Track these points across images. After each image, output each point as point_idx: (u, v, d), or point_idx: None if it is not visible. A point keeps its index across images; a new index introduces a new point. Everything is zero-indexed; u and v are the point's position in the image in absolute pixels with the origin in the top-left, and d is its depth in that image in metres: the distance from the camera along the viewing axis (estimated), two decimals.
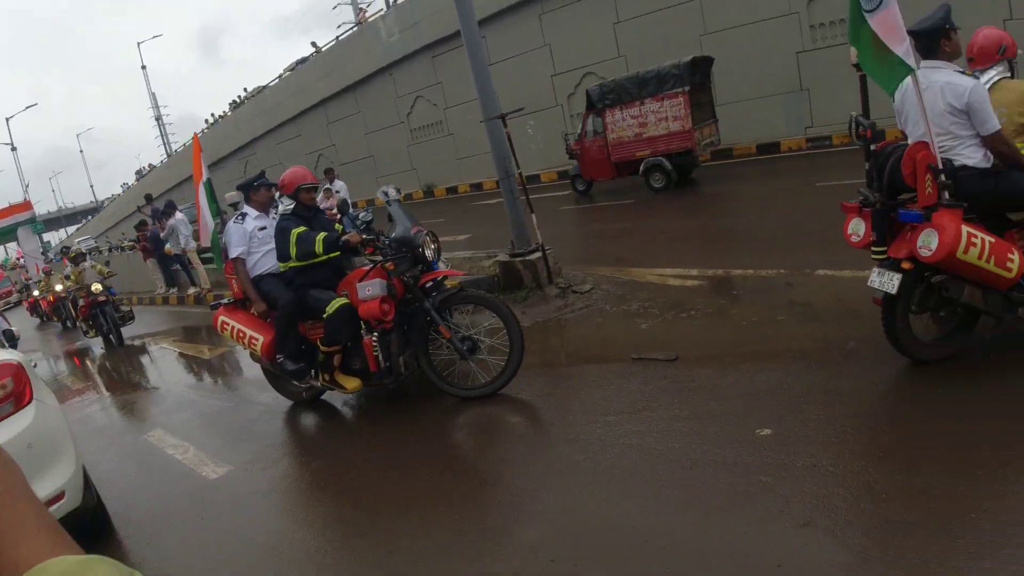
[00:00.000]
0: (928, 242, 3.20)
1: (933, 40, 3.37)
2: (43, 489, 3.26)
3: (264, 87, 26.43)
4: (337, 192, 11.47)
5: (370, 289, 4.22)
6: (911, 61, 3.21)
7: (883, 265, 3.45)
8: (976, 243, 3.17)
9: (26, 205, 30.62)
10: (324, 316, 4.32)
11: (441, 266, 4.65)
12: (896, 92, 3.51)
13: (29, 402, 3.43)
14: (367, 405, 4.91)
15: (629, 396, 3.96)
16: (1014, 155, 3.32)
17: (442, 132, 19.59)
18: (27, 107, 54.47)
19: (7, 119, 41.45)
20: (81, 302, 10.68)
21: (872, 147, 3.67)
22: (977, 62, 3.66)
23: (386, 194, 4.53)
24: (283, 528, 3.56)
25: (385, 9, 20.09)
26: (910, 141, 3.48)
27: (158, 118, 44.84)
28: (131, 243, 19.53)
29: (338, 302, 4.30)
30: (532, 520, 2.96)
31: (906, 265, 3.34)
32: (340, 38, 22.14)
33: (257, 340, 4.74)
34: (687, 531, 2.66)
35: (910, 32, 3.26)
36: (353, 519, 3.42)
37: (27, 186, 38.49)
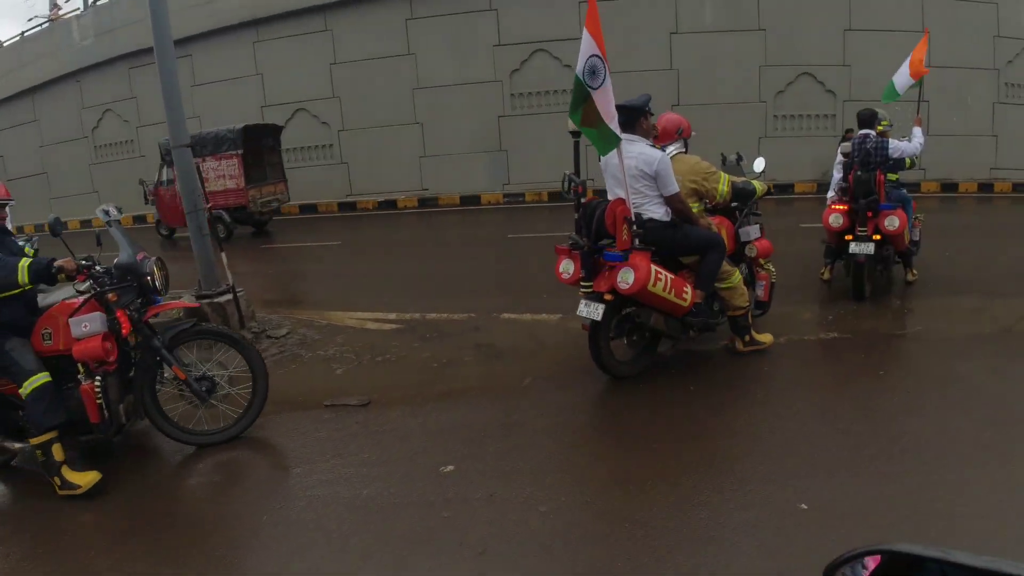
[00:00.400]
0: (626, 277, 3.98)
1: (633, 117, 4.24)
2: None
3: None
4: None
5: (87, 325, 3.48)
6: (619, 132, 3.94)
7: (589, 297, 4.20)
8: (661, 278, 4.05)
9: None
10: (24, 398, 3.43)
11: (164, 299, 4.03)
12: (602, 156, 4.27)
13: None
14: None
15: (319, 444, 3.86)
16: (687, 212, 4.34)
17: (133, 152, 17.35)
18: None
19: None
20: None
21: (582, 200, 4.49)
22: (661, 139, 4.64)
23: (107, 212, 3.82)
24: None
25: (82, 9, 17.41)
26: (611, 197, 4.32)
27: None
28: None
29: (37, 381, 3.42)
30: None
31: (608, 296, 4.11)
32: (26, 34, 18.56)
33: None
34: None
35: (617, 107, 3.95)
36: None
37: None
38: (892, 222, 5.54)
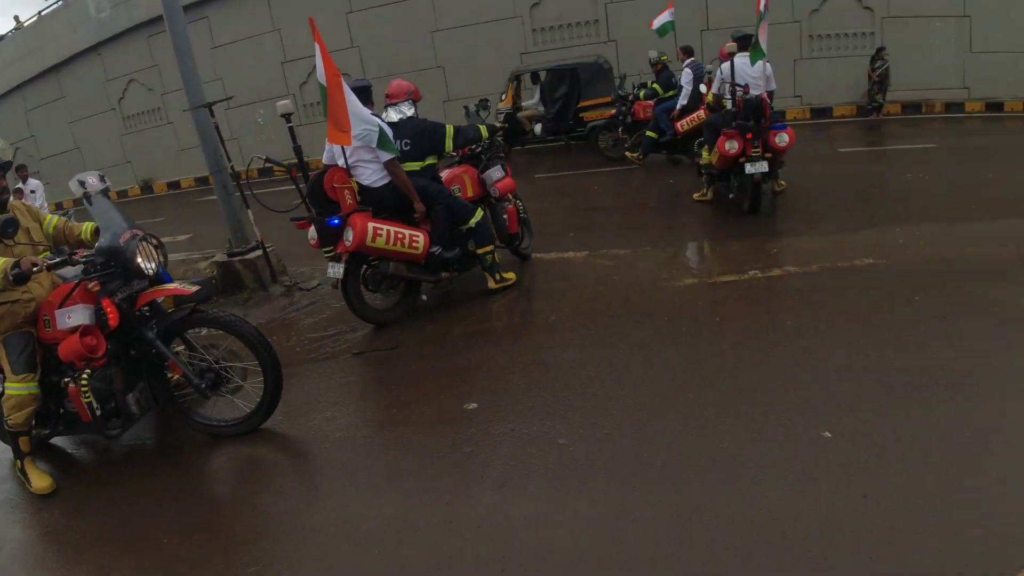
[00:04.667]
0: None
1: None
2: None
3: None
4: (32, 192, 9.64)
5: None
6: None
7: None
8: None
9: None
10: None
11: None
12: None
13: None
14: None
15: (349, 389, 3.96)
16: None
17: (161, 120, 17.54)
18: None
19: None
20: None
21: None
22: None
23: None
24: None
25: None
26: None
27: None
28: None
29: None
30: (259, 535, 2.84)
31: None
32: (43, 13, 18.65)
33: (418, 239, 4.64)
34: (393, 510, 2.75)
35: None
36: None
37: None
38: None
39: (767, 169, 5.94)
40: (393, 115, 4.87)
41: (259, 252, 5.83)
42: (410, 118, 4.89)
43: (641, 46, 12.04)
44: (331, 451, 3.32)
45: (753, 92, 6.21)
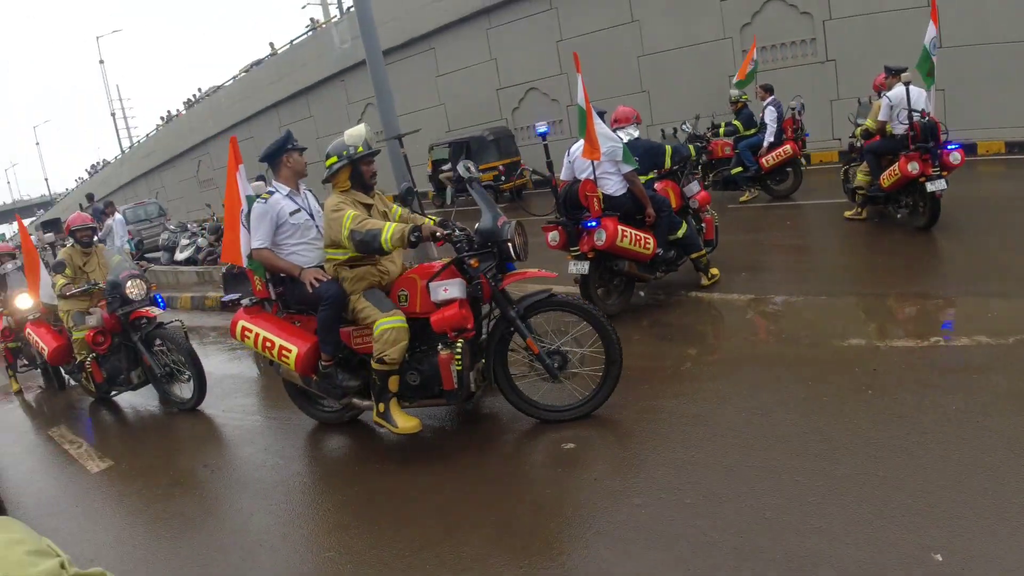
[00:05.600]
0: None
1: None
2: None
3: (219, 87, 26.25)
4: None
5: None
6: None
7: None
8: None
9: None
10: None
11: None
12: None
13: None
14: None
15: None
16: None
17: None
18: None
19: None
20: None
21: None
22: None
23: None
24: None
25: (339, 16, 20.14)
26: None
27: (112, 113, 43.92)
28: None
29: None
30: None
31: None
32: (294, 42, 22.08)
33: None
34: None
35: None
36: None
37: None
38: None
39: (945, 186, 6.17)
40: (624, 136, 5.57)
41: None
42: (636, 139, 5.78)
43: (860, 65, 10.95)
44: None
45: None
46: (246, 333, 4.01)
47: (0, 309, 6.92)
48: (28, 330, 6.17)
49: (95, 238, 6.07)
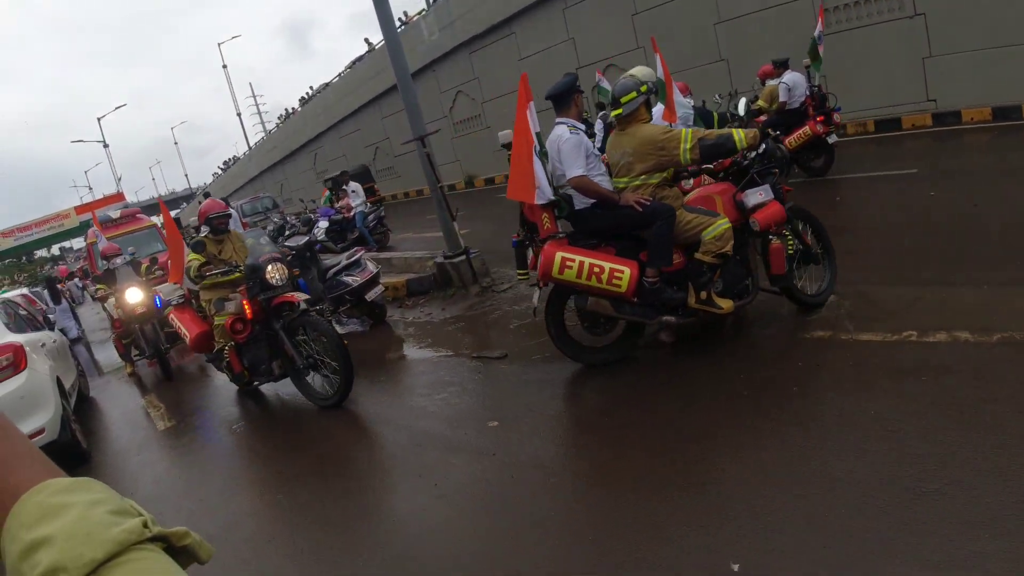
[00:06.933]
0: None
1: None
2: (27, 426, 4.63)
3: (327, 84, 28.08)
4: (353, 192, 12.54)
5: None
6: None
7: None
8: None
9: (118, 197, 33.74)
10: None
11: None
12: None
13: (23, 369, 4.90)
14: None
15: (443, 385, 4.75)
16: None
17: (480, 125, 20.36)
18: (116, 108, 60.26)
19: (98, 119, 45.19)
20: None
21: None
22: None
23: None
24: None
25: (425, 9, 20.99)
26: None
27: (239, 114, 48.09)
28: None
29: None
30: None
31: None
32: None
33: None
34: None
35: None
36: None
37: (119, 180, 41.98)
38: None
39: (838, 138, 7.63)
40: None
41: (463, 257, 6.89)
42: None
43: (952, 15, 10.19)
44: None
45: None
46: (567, 263, 3.83)
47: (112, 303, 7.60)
48: (172, 315, 6.00)
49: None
